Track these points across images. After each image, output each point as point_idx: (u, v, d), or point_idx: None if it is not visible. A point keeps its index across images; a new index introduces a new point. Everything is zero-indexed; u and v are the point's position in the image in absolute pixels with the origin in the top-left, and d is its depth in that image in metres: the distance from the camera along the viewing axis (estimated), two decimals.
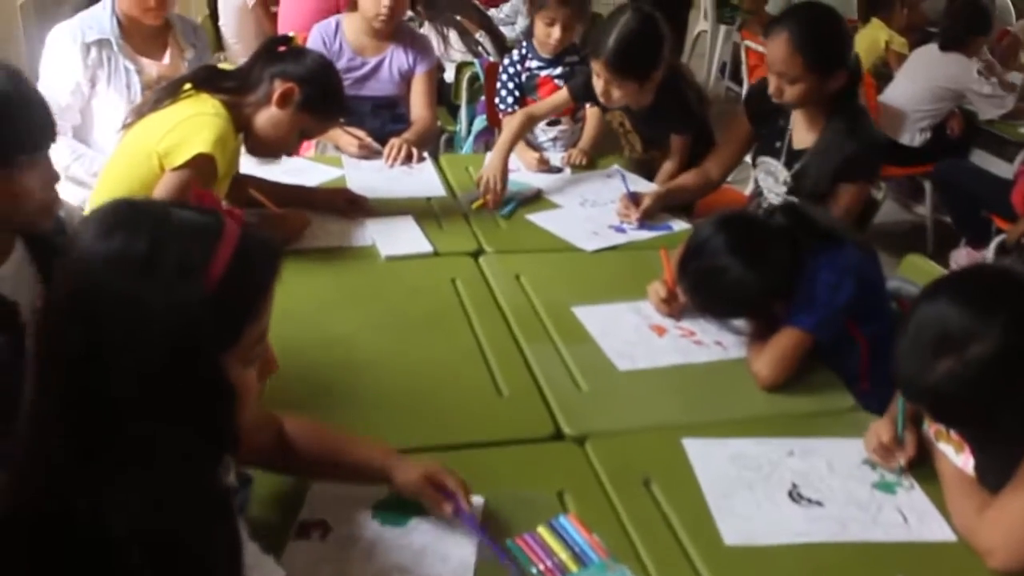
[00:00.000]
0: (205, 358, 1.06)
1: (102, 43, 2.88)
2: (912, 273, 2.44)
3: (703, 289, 2.09)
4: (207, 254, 1.06)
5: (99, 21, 2.88)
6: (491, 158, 2.97)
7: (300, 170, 2.98)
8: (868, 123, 2.69)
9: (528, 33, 3.65)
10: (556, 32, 3.32)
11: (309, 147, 3.33)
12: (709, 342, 2.17)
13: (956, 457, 1.66)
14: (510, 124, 3.13)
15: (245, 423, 1.16)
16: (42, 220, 1.57)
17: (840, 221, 2.20)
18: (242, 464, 1.43)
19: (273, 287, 1.15)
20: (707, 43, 7.54)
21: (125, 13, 2.90)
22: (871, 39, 5.42)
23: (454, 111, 4.41)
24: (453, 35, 4.50)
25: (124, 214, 1.08)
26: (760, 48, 5.60)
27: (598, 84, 2.87)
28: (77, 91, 2.86)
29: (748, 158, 3.03)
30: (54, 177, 1.56)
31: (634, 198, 2.81)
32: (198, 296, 1.04)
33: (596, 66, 2.84)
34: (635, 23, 2.78)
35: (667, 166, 3.17)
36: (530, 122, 3.19)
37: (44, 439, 1.05)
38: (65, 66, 2.85)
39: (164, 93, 2.33)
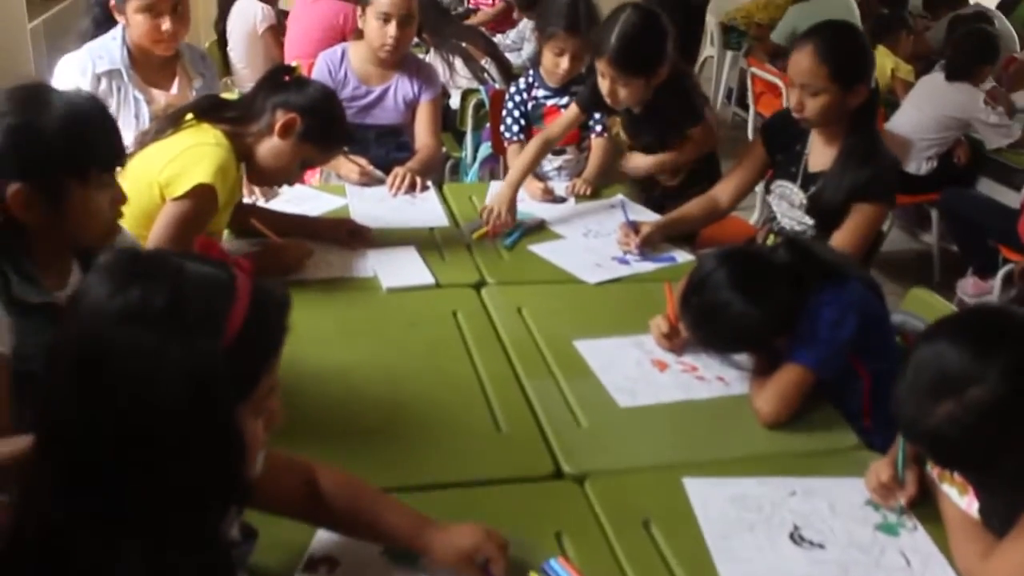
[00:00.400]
0: (221, 411, 1.05)
1: (112, 73, 2.87)
2: (917, 307, 2.42)
3: (705, 324, 2.07)
4: (225, 307, 1.06)
5: (109, 51, 2.87)
6: (503, 188, 2.95)
7: (303, 198, 2.98)
8: (884, 146, 2.69)
9: (535, 60, 3.64)
10: (565, 62, 3.31)
11: (313, 175, 3.32)
12: (711, 377, 2.15)
13: (960, 499, 1.63)
14: (527, 151, 3.12)
15: (252, 474, 1.15)
16: (107, 239, 1.72)
17: (844, 256, 2.17)
18: (265, 511, 1.41)
19: (284, 339, 1.14)
20: (714, 68, 7.55)
21: (136, 44, 2.89)
22: (877, 67, 5.41)
23: (459, 137, 4.42)
24: (458, 62, 4.50)
25: (139, 266, 1.08)
26: (766, 75, 5.61)
27: (604, 84, 2.85)
28: None
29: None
30: (122, 197, 1.72)
31: (634, 226, 2.79)
32: (217, 349, 1.04)
33: (601, 65, 2.82)
34: (636, 18, 2.77)
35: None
36: (547, 146, 3.19)
37: (46, 480, 1.04)
38: None
39: (166, 123, 2.33)
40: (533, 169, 3.16)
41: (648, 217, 2.97)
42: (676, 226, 2.89)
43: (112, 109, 2.82)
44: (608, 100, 2.91)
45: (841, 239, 2.56)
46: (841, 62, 2.51)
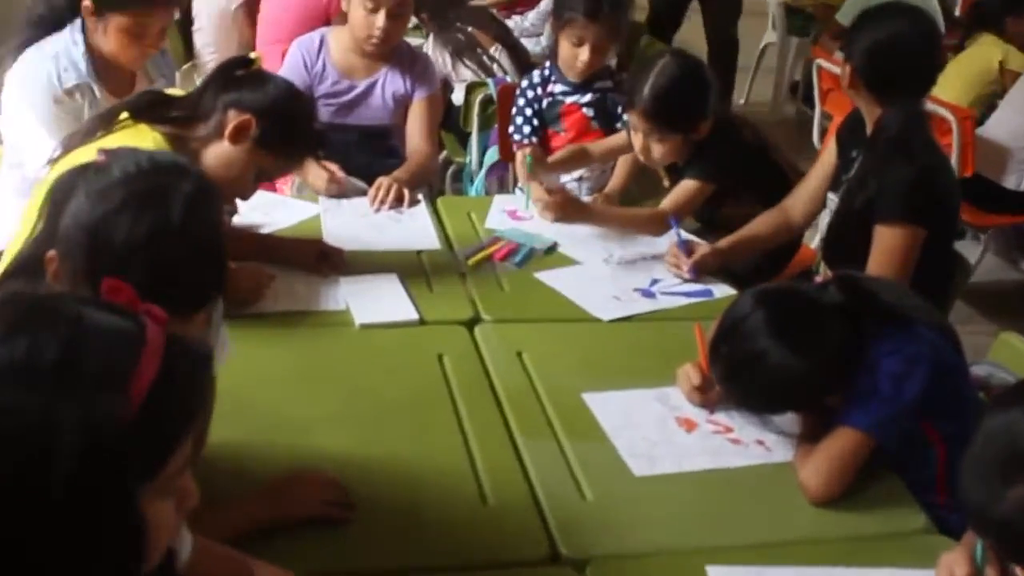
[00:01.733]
0: (119, 489, 1.03)
1: (81, 88, 2.81)
2: (1006, 356, 2.40)
3: (737, 378, 2.04)
4: (130, 365, 1.04)
5: (74, 62, 2.80)
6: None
7: (269, 205, 2.98)
8: (918, 154, 2.60)
9: (553, 50, 3.63)
10: (584, 54, 3.31)
11: (286, 183, 3.31)
12: (749, 441, 2.11)
13: None
14: (565, 149, 3.33)
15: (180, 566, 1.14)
16: None
17: (911, 295, 2.13)
18: None
19: (203, 409, 1.12)
20: (775, 57, 7.50)
21: (105, 54, 2.83)
22: (983, 61, 5.21)
23: (464, 139, 4.40)
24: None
25: (26, 313, 1.06)
26: (833, 68, 5.55)
27: (636, 139, 2.89)
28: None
29: None
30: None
31: (687, 248, 2.77)
32: (119, 416, 1.01)
33: (633, 118, 2.86)
34: (674, 67, 2.81)
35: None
36: (584, 155, 3.31)
37: None
38: (50, 124, 2.77)
39: (97, 123, 2.31)
40: (566, 165, 3.32)
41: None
42: (740, 249, 2.87)
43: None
44: (641, 157, 2.94)
45: (869, 270, 2.55)
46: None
